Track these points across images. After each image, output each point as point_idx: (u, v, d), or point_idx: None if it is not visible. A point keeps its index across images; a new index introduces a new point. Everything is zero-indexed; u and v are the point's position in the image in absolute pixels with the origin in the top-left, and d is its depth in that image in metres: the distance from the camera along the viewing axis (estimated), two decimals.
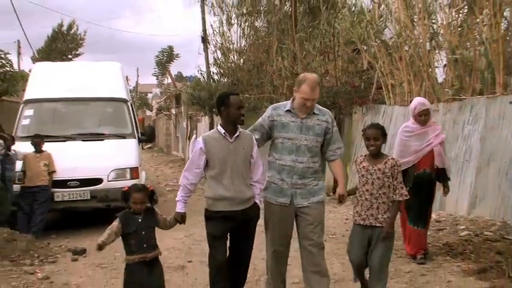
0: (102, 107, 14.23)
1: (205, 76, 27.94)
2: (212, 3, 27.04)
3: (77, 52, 54.79)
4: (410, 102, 14.02)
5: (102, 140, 13.12)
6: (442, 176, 8.06)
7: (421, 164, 7.71)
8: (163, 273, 5.88)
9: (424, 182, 7.75)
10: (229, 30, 26.55)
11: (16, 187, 11.71)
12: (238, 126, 5.95)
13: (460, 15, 13.81)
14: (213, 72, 27.81)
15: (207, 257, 8.82)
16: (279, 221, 6.16)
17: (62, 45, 54.27)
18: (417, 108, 7.86)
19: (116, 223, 5.51)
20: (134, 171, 12.76)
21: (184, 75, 47.45)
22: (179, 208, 5.88)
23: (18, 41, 42.39)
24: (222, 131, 5.82)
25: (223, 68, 27.40)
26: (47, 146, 11.98)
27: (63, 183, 12.07)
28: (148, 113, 57.10)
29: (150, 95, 63.71)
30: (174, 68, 52.39)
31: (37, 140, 11.91)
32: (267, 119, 6.22)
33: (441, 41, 14.33)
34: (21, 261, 9.12)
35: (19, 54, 42.69)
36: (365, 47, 17.10)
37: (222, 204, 5.79)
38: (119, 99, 14.19)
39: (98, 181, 12.31)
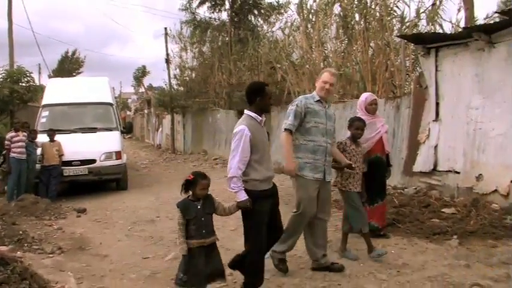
0: (95, 109, 14.78)
1: (168, 86, 28.66)
2: (173, 35, 28.41)
3: (79, 71, 55.82)
4: None
5: (95, 132, 13.77)
6: (387, 160, 7.33)
7: (373, 150, 7.00)
8: (220, 257, 4.93)
9: (378, 165, 7.01)
10: (185, 54, 28.17)
11: (37, 166, 12.35)
12: None
13: (343, 44, 15.34)
14: (173, 83, 28.67)
15: (171, 213, 9.26)
16: (314, 194, 5.66)
17: (68, 66, 55.12)
18: (368, 99, 7.15)
19: (178, 214, 4.71)
20: (118, 154, 13.47)
21: (153, 86, 48.39)
22: (243, 196, 4.79)
23: (39, 64, 43.50)
24: (258, 117, 5.01)
25: (180, 81, 28.72)
26: (57, 137, 12.66)
27: (69, 163, 12.70)
28: (128, 112, 58.23)
29: (129, 100, 65.02)
30: (146, 81, 52.99)
31: (51, 133, 12.60)
32: (302, 107, 5.65)
33: (330, 62, 15.56)
34: (42, 217, 9.59)
35: (39, 73, 43.52)
36: (279, 65, 18.02)
37: (266, 183, 5.03)
38: (107, 103, 14.87)
39: (93, 161, 12.96)
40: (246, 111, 5.07)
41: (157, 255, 6.92)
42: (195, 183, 4.70)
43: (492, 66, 8.39)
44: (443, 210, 8.26)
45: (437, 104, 9.65)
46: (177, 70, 29.00)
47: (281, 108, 17.19)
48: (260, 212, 4.92)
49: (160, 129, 33.38)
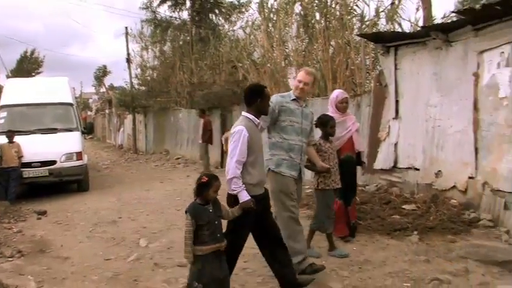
0: (55, 109, 14.46)
1: (129, 86, 28.34)
2: (134, 35, 28.10)
3: (38, 71, 54.79)
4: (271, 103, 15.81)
5: (56, 133, 13.47)
6: (358, 159, 7.20)
7: (344, 149, 6.83)
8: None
9: (348, 164, 6.83)
10: (146, 53, 27.93)
11: None
12: None
13: (303, 43, 15.36)
14: (134, 83, 28.30)
15: (133, 214, 9.66)
16: (294, 191, 5.57)
17: (27, 66, 54.14)
18: (339, 97, 6.95)
19: (188, 220, 4.37)
20: (79, 155, 13.22)
21: (114, 86, 47.79)
22: (245, 196, 4.65)
23: None
24: (256, 120, 4.91)
25: (141, 80, 28.42)
26: (17, 138, 12.34)
27: (28, 165, 12.37)
28: (89, 113, 57.54)
29: (90, 100, 64.36)
30: (107, 81, 52.42)
31: (10, 134, 12.29)
32: (276, 104, 5.53)
33: (292, 60, 15.63)
34: (1, 220, 9.43)
35: None
36: (240, 64, 18.00)
37: (259, 188, 4.91)
38: (67, 104, 14.59)
39: (53, 162, 12.60)
40: (243, 113, 4.94)
41: (120, 256, 6.83)
42: (209, 185, 4.42)
43: (449, 64, 8.49)
44: (403, 206, 8.33)
45: (397, 102, 9.73)
46: (138, 69, 28.82)
47: (242, 107, 17.26)
48: (248, 217, 4.76)
49: (122, 129, 33.06)
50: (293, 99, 5.72)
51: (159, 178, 15.54)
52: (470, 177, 7.94)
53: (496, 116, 7.39)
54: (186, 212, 4.43)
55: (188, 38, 25.11)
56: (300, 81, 5.74)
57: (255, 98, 4.91)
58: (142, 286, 5.62)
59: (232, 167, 4.68)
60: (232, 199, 4.74)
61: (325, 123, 6.33)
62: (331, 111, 6.89)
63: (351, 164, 6.99)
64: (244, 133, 4.70)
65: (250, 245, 6.79)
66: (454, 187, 8.28)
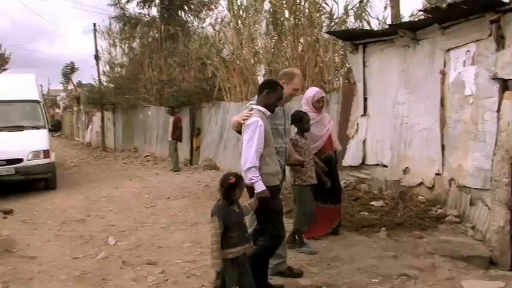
0: (21, 106, 14.26)
1: (98, 83, 28.07)
2: (102, 31, 27.89)
3: (4, 68, 53.41)
4: (242, 100, 15.87)
5: (22, 130, 13.28)
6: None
7: (325, 148, 6.71)
8: None
9: (330, 163, 6.71)
10: (114, 50, 27.74)
11: None
12: None
13: (273, 40, 15.28)
14: (103, 80, 28.06)
15: (101, 212, 9.54)
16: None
17: None
18: (316, 96, 6.71)
19: (215, 223, 4.17)
20: (46, 153, 12.98)
21: (83, 83, 47.26)
22: (261, 186, 4.54)
23: None
24: (267, 112, 4.87)
25: (110, 77, 28.18)
26: None
27: None
28: (57, 110, 57.38)
29: (58, 97, 63.47)
30: (75, 77, 51.82)
31: None
32: None
33: (261, 57, 15.65)
34: None
35: None
36: (209, 62, 17.84)
37: (276, 178, 4.88)
38: (34, 101, 14.36)
39: (20, 160, 12.35)
40: (254, 106, 4.90)
41: (88, 255, 6.75)
42: (236, 185, 4.32)
43: (417, 62, 8.54)
44: (371, 203, 8.40)
45: (365, 99, 9.77)
46: (107, 66, 28.55)
47: (212, 105, 17.35)
48: (275, 209, 4.78)
49: (90, 126, 32.74)
50: None
51: (128, 176, 15.38)
52: (437, 174, 8.01)
53: (462, 113, 7.45)
54: (212, 214, 4.25)
55: (157, 35, 24.90)
56: (297, 90, 5.58)
57: (265, 89, 4.92)
58: (110, 285, 5.53)
59: (251, 156, 4.57)
60: (252, 189, 4.63)
61: (301, 119, 6.28)
62: (307, 110, 6.65)
63: (333, 163, 6.89)
64: (260, 123, 4.65)
65: None
66: (421, 184, 8.34)
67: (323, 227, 6.91)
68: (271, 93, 4.87)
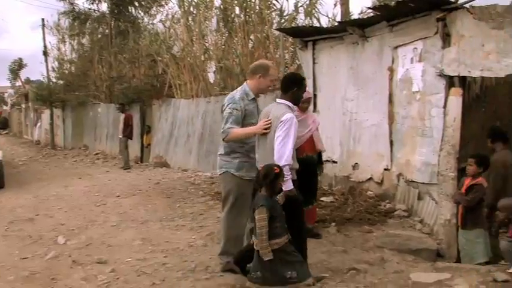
0: None
1: (46, 80, 27.32)
2: (51, 27, 27.21)
3: None
4: (192, 97, 15.81)
5: None
6: (319, 158, 7.02)
7: (303, 148, 6.44)
8: None
9: (308, 165, 6.35)
10: (64, 46, 27.14)
11: None
12: None
13: (223, 37, 15.29)
14: (52, 77, 27.37)
15: (51, 211, 9.28)
16: (250, 191, 4.93)
17: None
18: (304, 96, 6.00)
19: (263, 215, 4.22)
20: None
21: (31, 79, 45.84)
22: (291, 185, 4.61)
23: None
24: (294, 107, 4.92)
25: (59, 74, 27.52)
26: None
27: None
28: (5, 107, 56.11)
29: (6, 94, 61.78)
30: (23, 74, 50.21)
31: None
32: (242, 110, 5.15)
33: (211, 54, 15.65)
34: None
35: None
36: (160, 58, 17.69)
37: (295, 173, 4.87)
38: None
39: None
40: (280, 101, 4.92)
41: (37, 254, 6.53)
42: (280, 175, 4.41)
43: (365, 59, 8.56)
44: (322, 198, 8.33)
45: (315, 95, 9.73)
46: (56, 63, 27.84)
47: (162, 102, 17.21)
48: (295, 201, 4.77)
49: (39, 124, 31.93)
50: (252, 98, 5.30)
51: (78, 174, 14.97)
52: (385, 169, 8.05)
53: (409, 109, 7.50)
54: (261, 205, 4.31)
55: (107, 31, 24.31)
56: (274, 80, 5.40)
57: (293, 86, 4.93)
58: (60, 284, 5.34)
59: (287, 154, 4.58)
60: None
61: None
62: None
63: (311, 164, 6.63)
64: (295, 120, 4.67)
65: (171, 239, 6.78)
66: (370, 179, 8.38)
67: None
68: (298, 91, 4.96)
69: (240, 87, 5.40)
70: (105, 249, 6.56)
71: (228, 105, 5.20)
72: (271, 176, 4.37)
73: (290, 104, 4.86)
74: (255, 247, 4.50)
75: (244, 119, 5.18)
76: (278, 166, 4.44)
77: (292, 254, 4.47)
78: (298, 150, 6.08)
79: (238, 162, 5.24)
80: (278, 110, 4.81)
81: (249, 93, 5.28)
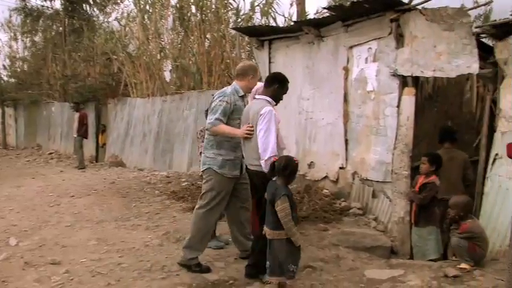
0: None
1: None
2: (2, 24, 26.60)
3: None
4: (148, 95, 15.63)
5: None
6: None
7: None
8: None
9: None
10: (16, 43, 26.46)
11: None
12: None
13: (179, 36, 15.24)
14: (3, 75, 26.82)
15: (1, 211, 8.81)
16: (230, 190, 5.35)
17: None
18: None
19: (286, 204, 4.31)
20: None
21: None
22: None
23: None
24: (273, 102, 4.99)
25: (11, 72, 26.73)
26: None
27: None
28: None
29: None
30: None
31: None
32: (231, 104, 5.23)
33: (167, 53, 15.59)
34: None
35: None
36: (115, 57, 17.50)
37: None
38: None
39: None
40: (259, 97, 5.05)
41: None
42: (297, 167, 4.53)
43: (321, 58, 8.56)
44: None
45: None
46: (7, 61, 27.02)
47: (117, 100, 16.95)
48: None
49: None
50: (241, 96, 5.43)
51: (31, 174, 14.48)
52: (341, 168, 8.06)
53: (364, 108, 7.54)
54: (284, 195, 4.36)
55: (61, 28, 23.62)
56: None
57: (275, 83, 5.05)
58: (11, 287, 5.14)
59: (271, 145, 4.69)
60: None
61: None
62: None
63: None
64: (274, 112, 4.79)
65: (126, 239, 6.64)
66: (326, 177, 8.37)
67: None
68: (280, 89, 5.06)
69: (230, 86, 5.53)
70: (59, 250, 6.36)
71: (218, 97, 5.31)
72: (292, 167, 4.48)
73: (269, 99, 4.98)
74: (267, 236, 4.52)
75: (232, 114, 5.27)
76: (293, 157, 4.63)
77: (299, 247, 4.55)
78: None
79: (221, 160, 5.28)
80: (257, 105, 4.94)
81: (239, 90, 5.40)
